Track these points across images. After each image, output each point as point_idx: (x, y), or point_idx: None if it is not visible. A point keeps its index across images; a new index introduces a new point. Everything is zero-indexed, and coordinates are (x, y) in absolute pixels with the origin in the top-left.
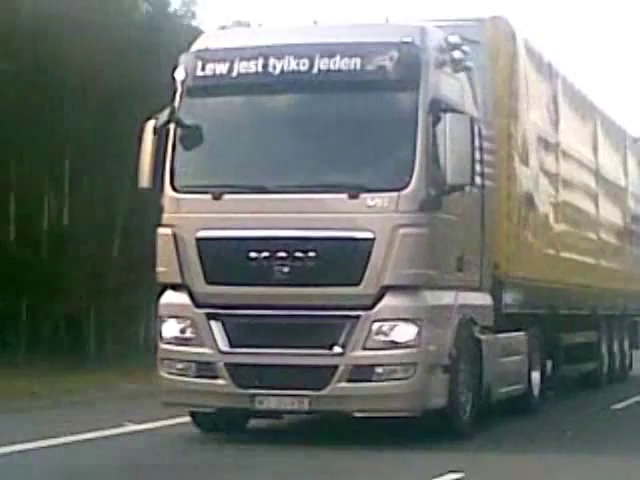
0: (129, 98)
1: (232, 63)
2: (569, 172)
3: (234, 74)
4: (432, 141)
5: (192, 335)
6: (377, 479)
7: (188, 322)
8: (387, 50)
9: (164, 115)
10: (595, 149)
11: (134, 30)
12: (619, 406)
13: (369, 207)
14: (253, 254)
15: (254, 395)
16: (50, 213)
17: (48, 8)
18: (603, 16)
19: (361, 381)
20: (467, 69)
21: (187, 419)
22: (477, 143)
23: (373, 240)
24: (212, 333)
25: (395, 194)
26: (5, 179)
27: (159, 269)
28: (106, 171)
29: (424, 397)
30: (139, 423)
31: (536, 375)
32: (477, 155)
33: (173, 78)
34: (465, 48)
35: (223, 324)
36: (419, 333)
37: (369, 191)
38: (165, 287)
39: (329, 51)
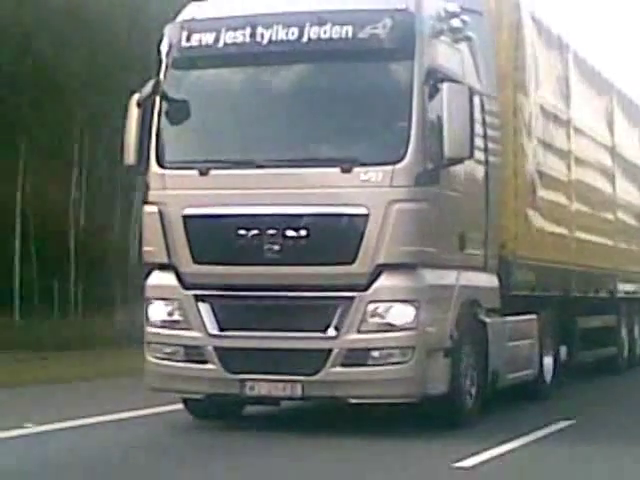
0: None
1: (218, 33)
2: (583, 150)
3: (220, 44)
4: (429, 113)
5: (180, 318)
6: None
7: (176, 304)
8: (380, 17)
9: (147, 88)
10: (611, 127)
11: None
12: None
13: (363, 181)
14: (242, 232)
15: (244, 381)
16: None
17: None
18: None
19: (356, 365)
20: (468, 39)
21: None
22: (479, 116)
23: (367, 216)
24: (200, 316)
25: (390, 168)
26: None
27: (145, 249)
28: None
29: (423, 382)
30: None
31: (548, 360)
32: (480, 129)
33: (158, 50)
34: (464, 17)
35: (212, 306)
36: (417, 315)
37: (363, 165)
38: (152, 268)
39: (319, 19)
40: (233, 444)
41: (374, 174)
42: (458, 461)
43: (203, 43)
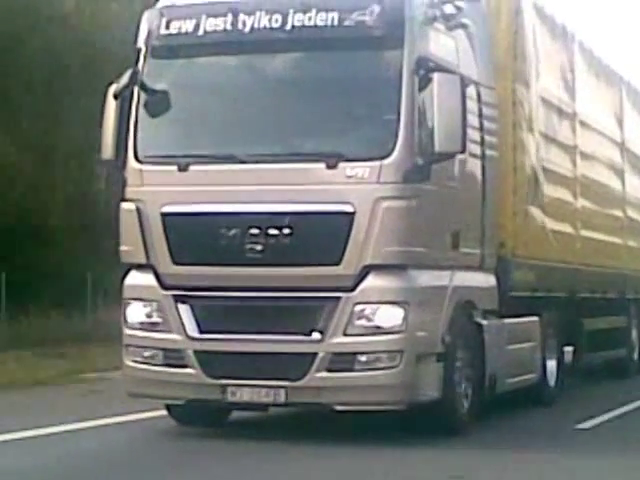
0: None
1: (199, 20)
2: (589, 144)
3: (200, 32)
4: (419, 104)
5: (159, 320)
6: None
7: (154, 305)
8: (368, 3)
9: (124, 78)
10: (620, 121)
11: None
12: None
13: (349, 177)
14: (223, 231)
15: (225, 386)
16: None
17: None
18: None
19: (342, 370)
20: (463, 27)
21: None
22: (476, 108)
23: (353, 214)
24: (180, 317)
25: (377, 163)
26: None
27: (122, 248)
28: None
29: (412, 389)
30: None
31: (552, 363)
32: (476, 121)
33: (136, 37)
34: (459, 3)
35: (192, 308)
36: (405, 317)
37: (348, 160)
38: (130, 267)
39: (304, 5)
40: (217, 453)
41: (361, 170)
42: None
43: (182, 31)
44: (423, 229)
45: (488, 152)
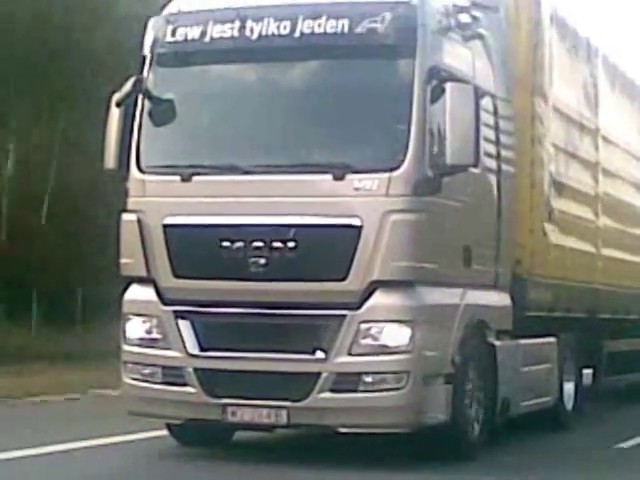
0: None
1: (205, 27)
2: (612, 161)
3: (207, 39)
4: (430, 115)
5: (159, 336)
6: None
7: (154, 321)
8: (379, 11)
9: (127, 86)
10: None
11: None
12: None
13: (356, 190)
14: (226, 244)
15: (226, 405)
16: None
17: None
18: None
19: (346, 391)
20: (480, 37)
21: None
22: (492, 121)
23: (360, 228)
24: (180, 334)
25: (386, 175)
26: None
27: (123, 260)
28: None
29: (419, 411)
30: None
31: (569, 386)
32: (491, 135)
33: (141, 45)
34: (475, 13)
35: (192, 324)
36: (413, 337)
37: (357, 172)
38: (131, 281)
39: (313, 12)
40: (218, 473)
41: (369, 182)
42: None
43: (189, 38)
44: (433, 244)
45: (504, 167)
